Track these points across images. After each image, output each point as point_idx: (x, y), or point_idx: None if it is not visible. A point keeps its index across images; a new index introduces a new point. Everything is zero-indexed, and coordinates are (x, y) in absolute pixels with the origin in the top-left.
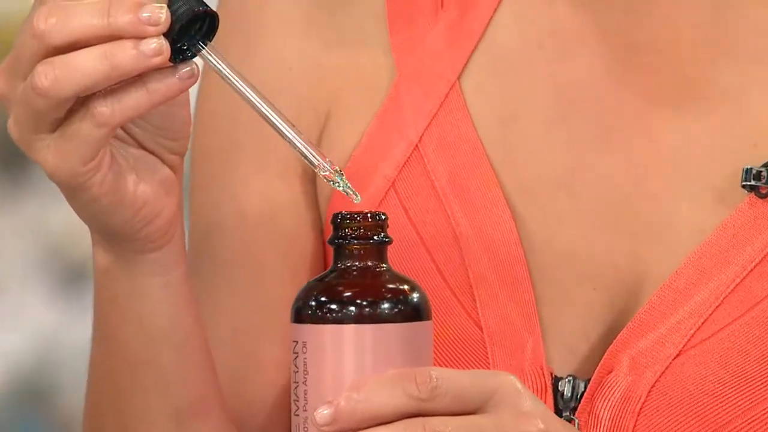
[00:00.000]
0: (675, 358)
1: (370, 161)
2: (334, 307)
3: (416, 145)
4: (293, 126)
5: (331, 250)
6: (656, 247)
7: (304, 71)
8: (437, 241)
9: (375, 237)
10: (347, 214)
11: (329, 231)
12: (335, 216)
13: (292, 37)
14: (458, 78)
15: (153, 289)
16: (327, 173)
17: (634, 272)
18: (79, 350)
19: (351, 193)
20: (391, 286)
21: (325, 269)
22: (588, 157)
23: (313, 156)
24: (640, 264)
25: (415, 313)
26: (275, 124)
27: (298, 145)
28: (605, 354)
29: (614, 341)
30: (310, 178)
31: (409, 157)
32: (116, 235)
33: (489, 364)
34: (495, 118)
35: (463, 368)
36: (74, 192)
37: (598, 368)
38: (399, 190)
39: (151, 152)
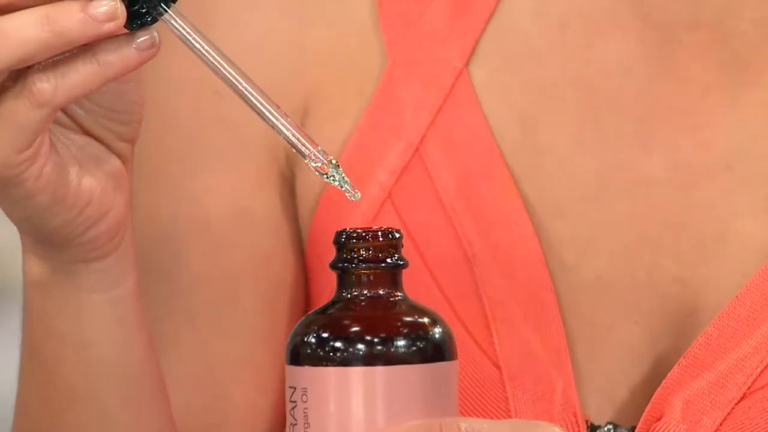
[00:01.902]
0: (738, 402)
1: (360, 167)
2: (339, 345)
3: (417, 147)
4: (278, 107)
5: (320, 275)
6: (710, 269)
7: (274, 55)
8: (444, 263)
9: (388, 260)
10: (354, 232)
11: (314, 250)
12: (339, 234)
13: (258, 12)
14: (466, 65)
15: (96, 307)
16: (319, 164)
17: (683, 300)
18: (5, 387)
19: (349, 188)
20: (408, 319)
21: (306, 297)
22: (624, 162)
23: (303, 144)
24: (690, 289)
25: (437, 352)
26: (256, 105)
27: (284, 129)
28: (653, 397)
29: (663, 382)
30: (289, 184)
31: (408, 162)
32: (53, 239)
33: (510, 410)
34: (512, 115)
35: (478, 416)
36: (5, 187)
37: (644, 414)
38: (397, 201)
39: (97, 139)
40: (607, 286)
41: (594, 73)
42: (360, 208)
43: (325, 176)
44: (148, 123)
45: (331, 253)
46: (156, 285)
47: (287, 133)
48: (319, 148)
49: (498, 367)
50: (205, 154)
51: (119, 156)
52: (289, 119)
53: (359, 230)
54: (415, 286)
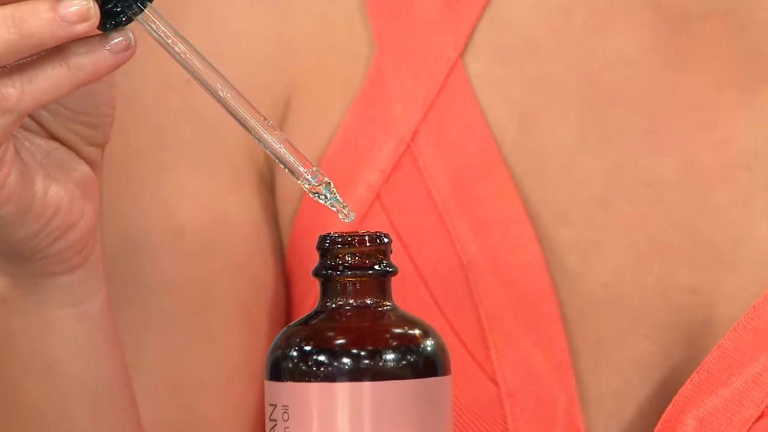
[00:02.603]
0: (756, 421)
1: (346, 165)
2: (323, 359)
3: (408, 144)
4: (265, 119)
5: (301, 281)
6: (726, 277)
7: (252, 45)
8: (437, 269)
9: (376, 266)
10: (339, 237)
11: (295, 254)
12: (323, 239)
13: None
14: (460, 56)
15: (63, 323)
16: (312, 185)
17: (696, 310)
18: None
19: (343, 209)
20: (397, 331)
21: (287, 305)
22: (633, 162)
23: (295, 162)
24: (704, 299)
25: (429, 366)
26: (240, 114)
27: (275, 146)
28: (663, 416)
29: (674, 400)
30: (268, 184)
31: (398, 160)
32: (17, 252)
33: (509, 430)
34: (510, 110)
35: None
36: None
37: None
38: (387, 202)
39: (65, 143)
40: (614, 295)
41: (600, 66)
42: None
43: (317, 196)
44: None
45: (314, 258)
46: (123, 290)
47: (278, 149)
48: (313, 168)
49: (495, 383)
50: (177, 152)
51: (88, 162)
52: (278, 133)
53: (344, 235)
54: (405, 294)
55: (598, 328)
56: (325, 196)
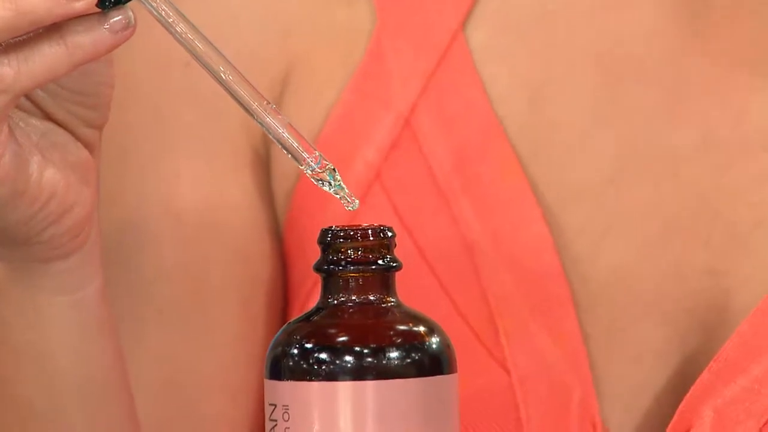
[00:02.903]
0: None
1: (344, 143)
2: (325, 357)
3: (407, 119)
4: (268, 102)
5: (298, 265)
6: (745, 260)
7: (254, 22)
8: (441, 250)
9: (379, 261)
10: (341, 231)
11: (293, 238)
12: (324, 233)
13: None
14: (462, 27)
15: (57, 312)
16: (315, 171)
17: (714, 295)
18: None
19: (347, 197)
20: (401, 328)
21: (284, 294)
22: (647, 137)
23: (298, 147)
24: (722, 283)
25: (435, 364)
26: (245, 101)
27: (278, 130)
28: (680, 406)
29: (691, 389)
30: (264, 164)
31: (397, 136)
32: (11, 237)
33: (521, 419)
34: (516, 84)
35: (485, 425)
36: None
37: (671, 425)
38: (386, 181)
39: (61, 125)
40: (627, 279)
41: (614, 38)
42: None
43: (320, 183)
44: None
45: (312, 238)
46: (119, 278)
47: (281, 133)
48: (317, 153)
49: (507, 370)
50: (176, 135)
51: (86, 144)
52: (280, 117)
53: (347, 228)
54: (409, 276)
55: (610, 314)
56: (329, 183)
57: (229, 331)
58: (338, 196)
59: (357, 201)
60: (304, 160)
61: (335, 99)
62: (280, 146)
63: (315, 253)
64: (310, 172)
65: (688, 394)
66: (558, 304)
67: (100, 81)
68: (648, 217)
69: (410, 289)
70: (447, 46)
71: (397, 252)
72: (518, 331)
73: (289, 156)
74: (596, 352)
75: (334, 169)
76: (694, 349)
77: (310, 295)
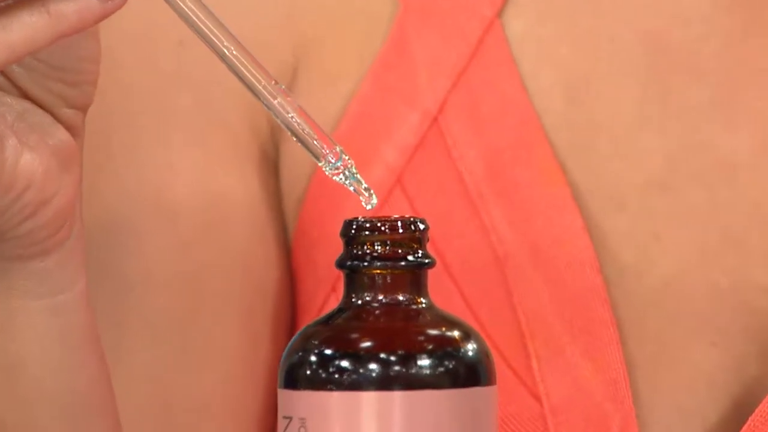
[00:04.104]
0: None
1: (362, 142)
2: (347, 364)
3: (435, 118)
4: (276, 83)
5: (309, 278)
6: None
7: (261, 2)
8: (469, 265)
9: (410, 257)
10: (367, 222)
11: (302, 246)
12: (348, 225)
13: None
14: (498, 15)
15: (32, 317)
16: (334, 167)
17: None
18: None
19: (364, 192)
20: (434, 332)
21: (291, 310)
22: (700, 138)
23: (308, 133)
24: None
25: (471, 374)
26: (253, 84)
27: (286, 115)
28: None
29: (749, 420)
30: (272, 162)
31: (423, 136)
32: None
33: None
34: (557, 78)
35: None
36: None
37: None
38: (409, 186)
39: (41, 105)
40: (678, 295)
41: (666, 24)
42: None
43: (341, 178)
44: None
45: (324, 251)
46: (102, 285)
47: (296, 126)
48: (338, 148)
49: (538, 398)
50: (168, 123)
51: (68, 127)
52: (290, 99)
53: (374, 219)
54: (431, 291)
55: (658, 335)
56: (344, 175)
57: (228, 348)
58: (353, 190)
59: (375, 198)
60: (316, 148)
61: (352, 92)
62: (289, 132)
63: (327, 265)
64: (323, 163)
65: (745, 426)
66: (599, 325)
67: (83, 56)
68: (701, 226)
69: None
70: (481, 35)
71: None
72: (552, 355)
73: (300, 143)
74: (640, 378)
75: (351, 163)
76: (752, 376)
77: (321, 310)
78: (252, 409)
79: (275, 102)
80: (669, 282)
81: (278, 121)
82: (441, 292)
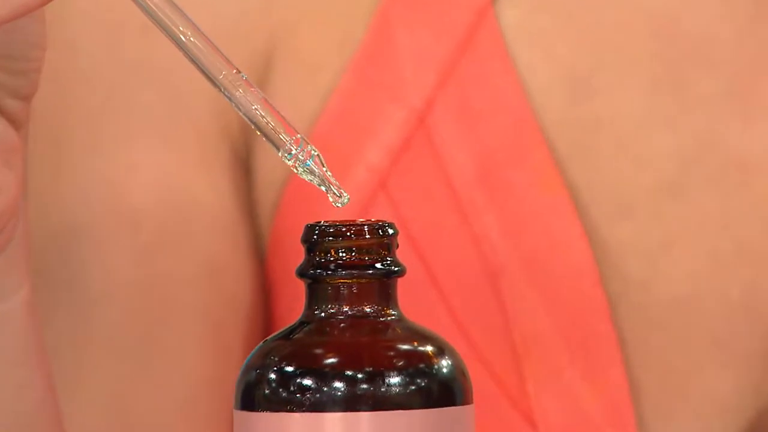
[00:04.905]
0: None
1: (343, 142)
2: (309, 383)
3: (422, 116)
4: (238, 72)
5: (285, 290)
6: None
7: None
8: (458, 277)
9: (378, 264)
10: (331, 227)
11: (278, 255)
12: (310, 229)
13: None
14: (491, 3)
15: None
16: (294, 160)
17: None
18: None
19: (335, 191)
20: (404, 347)
21: (265, 323)
22: (713, 140)
23: (274, 129)
24: None
25: (445, 393)
26: (209, 71)
27: (250, 107)
28: None
29: None
30: (243, 164)
31: (408, 136)
32: None
33: None
34: (556, 72)
35: None
36: None
37: None
38: (393, 190)
39: None
40: (688, 311)
41: (675, 11)
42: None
43: (303, 173)
44: (48, 74)
45: (300, 261)
46: (57, 295)
47: (251, 109)
48: (298, 136)
49: (533, 424)
50: (129, 118)
51: (10, 119)
52: (254, 90)
53: (338, 224)
54: (416, 307)
55: (666, 357)
56: (314, 174)
57: (195, 366)
58: (323, 188)
59: (347, 196)
60: (283, 144)
61: (331, 86)
62: (252, 126)
63: None
64: (290, 160)
65: None
66: (600, 342)
67: (28, 41)
68: (714, 235)
69: (416, 321)
70: (473, 26)
71: (404, 277)
72: (549, 377)
73: (264, 138)
74: (646, 405)
75: (318, 156)
76: None
77: None
78: (217, 428)
79: (237, 93)
80: (678, 296)
81: (240, 114)
82: (427, 306)
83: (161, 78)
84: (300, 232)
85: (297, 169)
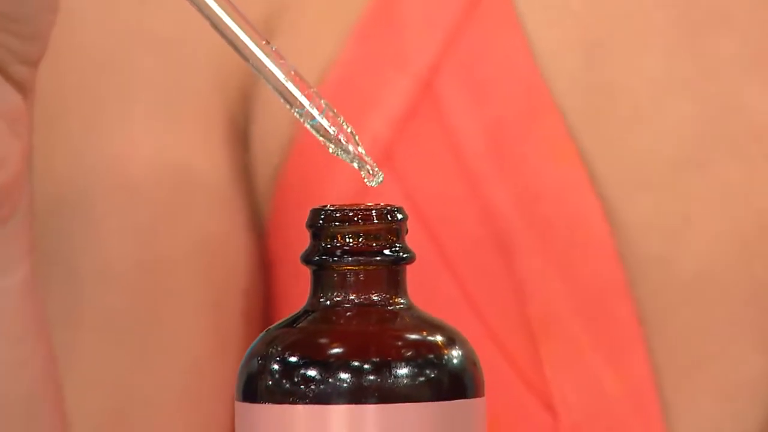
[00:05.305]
0: None
1: (345, 111)
2: (314, 374)
3: (428, 83)
4: (267, 43)
5: (287, 270)
6: None
7: None
8: (469, 252)
9: (386, 251)
10: (337, 211)
11: (279, 233)
12: (315, 214)
13: None
14: None
15: None
16: (335, 141)
17: None
18: None
19: (369, 169)
20: (413, 336)
21: (266, 303)
22: (735, 108)
23: (310, 105)
24: None
25: (457, 385)
26: (241, 44)
27: (282, 80)
28: None
29: None
30: (242, 136)
31: (414, 105)
32: None
33: None
34: (568, 36)
35: None
36: None
37: None
38: (399, 162)
39: None
40: (712, 289)
41: None
42: (346, 174)
43: (335, 148)
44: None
45: (304, 239)
46: (51, 274)
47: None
48: (348, 128)
49: (552, 410)
50: (128, 91)
51: (17, 86)
52: (283, 62)
53: (345, 208)
54: (425, 285)
55: (689, 337)
56: (347, 150)
57: (193, 349)
58: (358, 168)
59: (381, 174)
60: (324, 130)
61: (333, 54)
62: (283, 102)
63: None
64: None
65: None
66: (621, 323)
67: (38, 3)
68: (737, 208)
69: (424, 299)
70: None
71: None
72: (568, 358)
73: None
74: (670, 386)
75: (352, 132)
76: None
77: (301, 301)
78: (217, 418)
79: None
80: (701, 274)
81: (272, 89)
82: (437, 285)
83: (160, 48)
84: (301, 207)
85: (331, 146)
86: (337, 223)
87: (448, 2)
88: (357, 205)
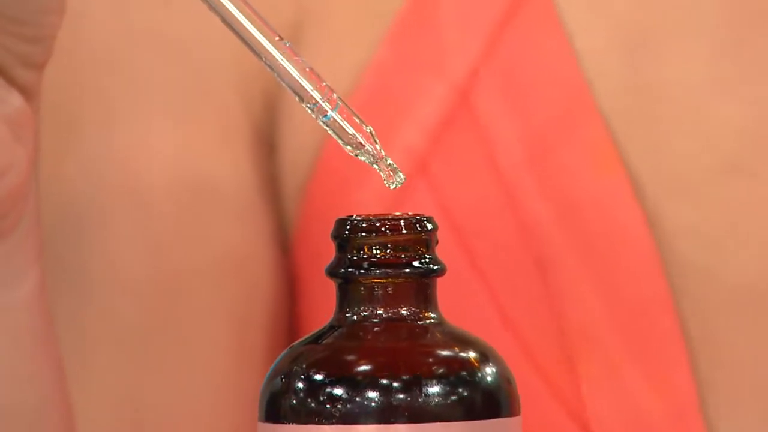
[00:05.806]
0: None
1: (378, 121)
2: (341, 393)
3: (463, 90)
4: (281, 39)
5: (313, 284)
6: None
7: None
8: (505, 266)
9: (416, 263)
10: (364, 222)
11: (306, 245)
12: (341, 225)
13: None
14: None
15: None
16: (358, 144)
17: None
18: None
19: (389, 170)
20: (444, 353)
21: (290, 318)
22: None
23: (322, 100)
24: None
25: (490, 403)
26: (245, 30)
27: (288, 70)
28: None
29: None
30: (267, 144)
31: (450, 113)
32: None
33: None
34: (612, 38)
35: None
36: None
37: None
38: (434, 173)
39: None
40: (759, 302)
41: None
42: (375, 185)
43: (358, 152)
44: (55, 46)
45: (331, 251)
46: (62, 282)
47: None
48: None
49: (587, 428)
50: (141, 93)
51: (22, 90)
52: (297, 59)
53: (372, 218)
54: (458, 300)
55: (736, 349)
56: (364, 149)
57: (214, 367)
58: (379, 170)
59: (403, 176)
60: (348, 136)
61: (365, 59)
62: (298, 100)
63: None
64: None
65: None
66: (663, 339)
67: (41, 4)
68: None
69: (458, 315)
70: None
71: (446, 265)
72: (606, 378)
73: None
74: (715, 403)
75: (371, 132)
76: None
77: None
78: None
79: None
80: (748, 285)
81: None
82: (471, 298)
83: (177, 50)
84: (328, 219)
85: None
86: (363, 234)
87: (486, 5)
88: (385, 214)
